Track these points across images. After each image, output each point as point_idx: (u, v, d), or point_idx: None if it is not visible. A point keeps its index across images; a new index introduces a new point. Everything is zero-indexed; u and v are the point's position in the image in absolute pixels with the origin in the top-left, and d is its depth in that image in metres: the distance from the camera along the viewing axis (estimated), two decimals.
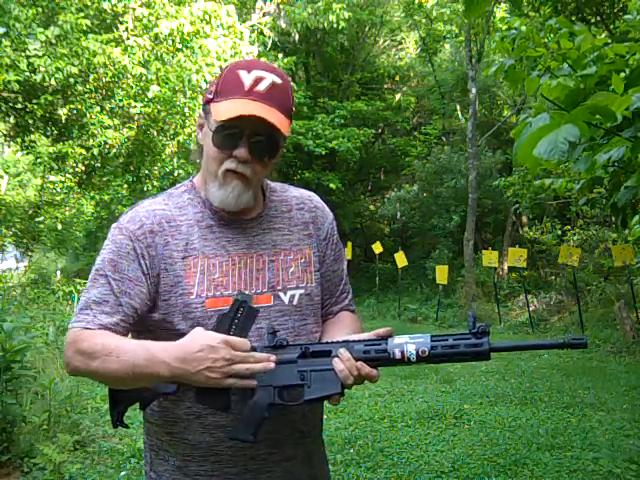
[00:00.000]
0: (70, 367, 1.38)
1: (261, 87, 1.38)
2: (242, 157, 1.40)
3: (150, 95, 10.72)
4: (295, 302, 1.49)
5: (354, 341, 1.38)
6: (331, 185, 16.26)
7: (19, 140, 12.71)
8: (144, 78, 10.83)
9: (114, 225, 1.48)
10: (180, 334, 1.40)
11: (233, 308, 1.34)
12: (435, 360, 1.34)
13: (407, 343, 1.34)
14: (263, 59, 12.31)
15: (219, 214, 1.48)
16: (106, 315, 1.38)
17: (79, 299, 1.45)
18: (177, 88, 10.94)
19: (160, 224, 1.44)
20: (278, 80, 1.41)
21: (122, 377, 1.33)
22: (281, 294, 1.48)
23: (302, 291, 1.50)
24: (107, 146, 11.59)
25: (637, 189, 2.20)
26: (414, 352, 1.33)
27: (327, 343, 1.40)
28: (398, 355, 1.34)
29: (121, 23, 11.04)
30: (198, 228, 1.46)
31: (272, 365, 1.31)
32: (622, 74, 2.14)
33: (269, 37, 13.94)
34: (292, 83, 1.48)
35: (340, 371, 1.33)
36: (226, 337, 1.29)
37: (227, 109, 1.37)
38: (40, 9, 10.58)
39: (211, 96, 1.43)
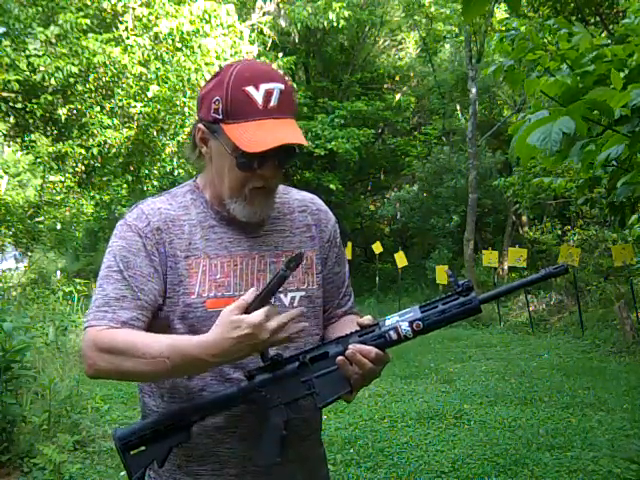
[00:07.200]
0: (94, 368, 1.34)
1: (274, 102, 1.36)
2: (270, 175, 1.40)
3: (150, 95, 10.72)
4: (295, 304, 1.49)
5: (347, 335, 1.37)
6: (331, 186, 16.25)
7: (19, 140, 12.71)
8: (144, 77, 10.83)
9: (120, 222, 1.47)
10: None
11: (274, 276, 1.33)
12: (431, 329, 1.32)
13: (399, 322, 1.33)
14: (263, 59, 12.31)
15: (221, 214, 1.47)
16: (125, 310, 1.37)
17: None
18: (177, 87, 10.94)
19: (165, 222, 1.44)
20: (282, 86, 1.38)
21: (158, 375, 1.36)
22: (282, 296, 1.47)
23: (302, 293, 1.50)
24: (107, 146, 11.58)
25: (635, 186, 2.19)
26: (409, 328, 1.32)
27: (322, 345, 1.40)
28: (394, 336, 1.33)
29: (121, 22, 11.04)
30: (201, 228, 1.46)
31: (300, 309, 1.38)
32: (621, 73, 2.13)
33: (269, 37, 13.93)
34: (292, 83, 1.47)
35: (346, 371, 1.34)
36: (246, 317, 1.27)
37: (253, 139, 1.33)
38: (40, 8, 10.58)
39: (220, 116, 1.37)
